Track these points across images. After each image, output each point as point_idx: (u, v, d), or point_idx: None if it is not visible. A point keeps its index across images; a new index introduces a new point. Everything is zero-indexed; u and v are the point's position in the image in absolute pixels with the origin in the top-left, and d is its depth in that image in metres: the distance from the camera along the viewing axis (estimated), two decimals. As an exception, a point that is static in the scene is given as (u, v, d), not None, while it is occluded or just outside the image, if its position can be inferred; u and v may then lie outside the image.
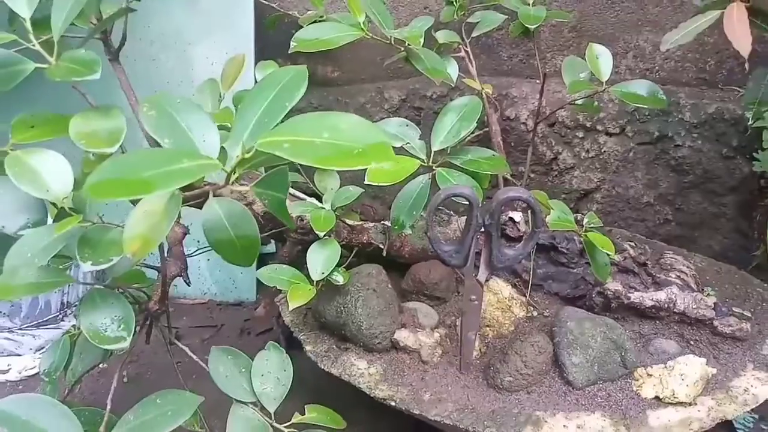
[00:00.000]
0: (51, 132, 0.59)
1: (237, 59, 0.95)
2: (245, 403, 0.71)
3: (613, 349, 0.79)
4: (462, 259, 0.72)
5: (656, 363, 0.80)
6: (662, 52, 1.30)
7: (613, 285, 0.85)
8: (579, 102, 0.98)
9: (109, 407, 0.69)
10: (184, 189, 0.54)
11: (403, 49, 0.88)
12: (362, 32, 0.83)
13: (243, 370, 0.73)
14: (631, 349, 0.79)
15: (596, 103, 1.00)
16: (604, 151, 1.26)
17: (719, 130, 1.20)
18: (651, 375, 0.78)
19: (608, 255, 0.81)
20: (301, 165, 1.12)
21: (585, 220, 0.83)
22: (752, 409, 0.89)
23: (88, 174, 0.60)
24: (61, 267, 0.64)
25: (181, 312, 1.36)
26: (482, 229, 0.69)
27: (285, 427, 0.71)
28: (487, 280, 0.74)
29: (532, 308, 0.91)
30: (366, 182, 0.76)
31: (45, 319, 1.16)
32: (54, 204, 0.60)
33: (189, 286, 0.82)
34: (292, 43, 0.81)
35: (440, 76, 0.84)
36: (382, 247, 0.95)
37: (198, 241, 1.05)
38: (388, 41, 0.86)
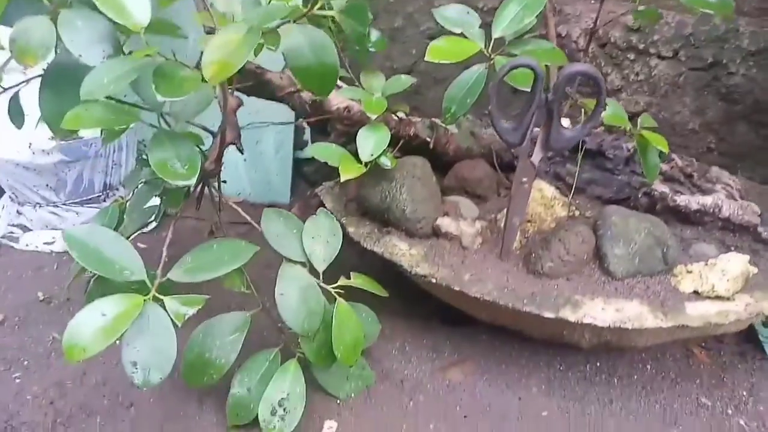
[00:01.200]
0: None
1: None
2: (295, 262, 0.74)
3: (656, 245, 0.80)
4: (519, 137, 0.72)
5: (694, 262, 0.81)
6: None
7: (660, 187, 0.85)
8: (641, 8, 0.96)
9: (165, 254, 0.72)
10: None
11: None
12: None
13: (295, 231, 0.75)
14: (673, 246, 0.80)
15: (659, 10, 0.97)
16: (654, 75, 1.24)
17: (776, 59, 1.17)
18: (690, 271, 0.79)
19: (660, 153, 0.81)
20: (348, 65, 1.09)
21: (639, 120, 0.83)
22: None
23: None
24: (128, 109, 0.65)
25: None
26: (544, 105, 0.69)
27: (332, 287, 0.74)
28: (541, 160, 0.74)
29: (574, 209, 0.92)
30: (426, 59, 0.76)
31: (88, 198, 1.19)
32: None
33: (242, 154, 0.84)
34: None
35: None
36: (429, 140, 0.96)
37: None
38: None
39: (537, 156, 0.73)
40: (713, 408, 0.82)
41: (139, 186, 0.83)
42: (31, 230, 1.19)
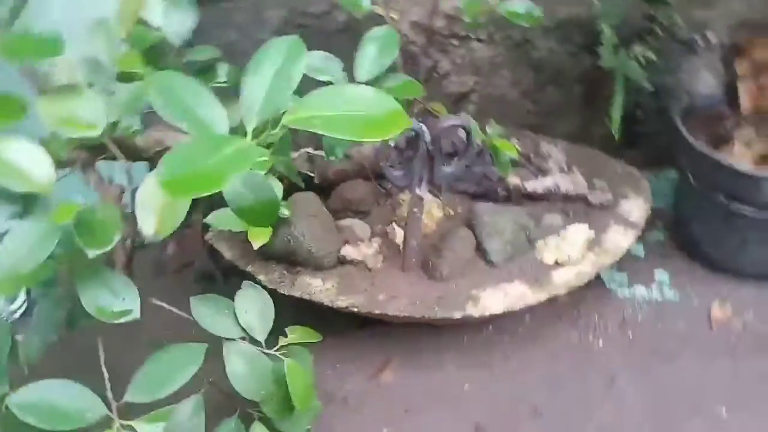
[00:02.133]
0: (8, 116, 0.55)
1: (131, -4, 0.88)
2: (235, 339, 0.78)
3: (520, 230, 0.98)
4: (408, 181, 0.83)
5: (548, 235, 1.01)
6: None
7: (513, 179, 1.03)
8: (467, 20, 1.08)
9: (106, 375, 0.72)
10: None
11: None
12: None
13: (226, 311, 0.79)
14: (532, 228, 0.99)
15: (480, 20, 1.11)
16: (477, 57, 1.40)
17: (568, 32, 1.39)
18: (548, 245, 0.98)
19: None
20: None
21: (489, 129, 0.98)
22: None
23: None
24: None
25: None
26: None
27: (275, 351, 0.80)
28: (435, 189, 0.86)
29: (447, 208, 1.06)
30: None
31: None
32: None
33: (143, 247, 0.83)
34: None
35: (359, 9, 0.88)
36: (311, 174, 1.02)
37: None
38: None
39: (424, 190, 0.84)
40: (579, 337, 1.06)
41: (39, 303, 0.79)
42: None
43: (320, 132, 0.47)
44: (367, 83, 0.90)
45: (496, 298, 0.90)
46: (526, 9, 1.00)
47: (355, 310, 0.90)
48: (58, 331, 0.81)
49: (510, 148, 0.95)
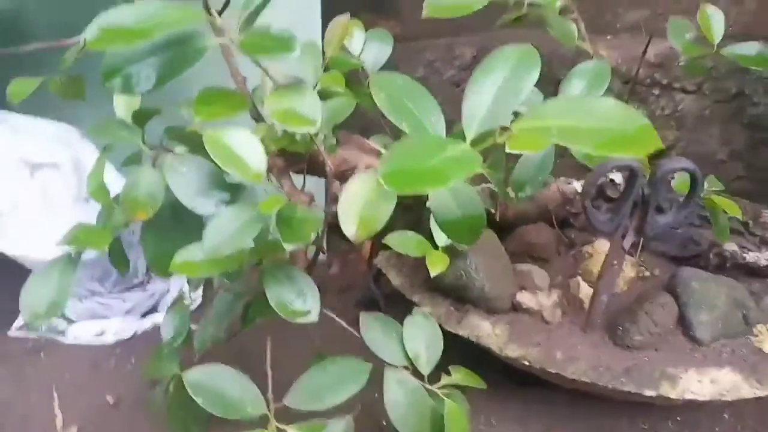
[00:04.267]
0: (231, 109, 0.58)
1: (341, 22, 0.92)
2: (398, 367, 0.74)
3: (736, 307, 0.82)
4: (614, 227, 0.74)
5: (770, 319, 0.84)
6: (736, 5, 1.29)
7: (730, 246, 0.88)
8: (681, 63, 0.98)
9: (270, 374, 0.71)
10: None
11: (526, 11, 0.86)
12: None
13: (394, 334, 0.75)
14: (753, 307, 0.82)
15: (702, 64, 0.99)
16: (681, 109, 1.27)
17: (796, 87, 1.21)
18: (771, 331, 0.81)
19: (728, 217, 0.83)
20: (390, 127, 1.11)
21: (706, 184, 0.85)
22: None
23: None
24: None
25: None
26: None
27: (437, 388, 0.74)
28: (631, 247, 0.76)
29: (642, 269, 0.94)
30: (507, 151, 0.76)
31: (133, 284, 1.17)
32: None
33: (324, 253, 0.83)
34: (424, 7, 0.79)
35: (571, 42, 0.83)
36: (493, 211, 0.96)
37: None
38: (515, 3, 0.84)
39: (628, 241, 0.75)
40: (798, 455, 0.85)
41: (220, 294, 0.82)
42: (75, 321, 1.16)
43: (558, 142, 0.41)
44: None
45: (700, 383, 0.76)
46: (758, 51, 0.87)
47: (526, 363, 0.81)
48: (230, 324, 0.84)
49: (734, 209, 0.81)
